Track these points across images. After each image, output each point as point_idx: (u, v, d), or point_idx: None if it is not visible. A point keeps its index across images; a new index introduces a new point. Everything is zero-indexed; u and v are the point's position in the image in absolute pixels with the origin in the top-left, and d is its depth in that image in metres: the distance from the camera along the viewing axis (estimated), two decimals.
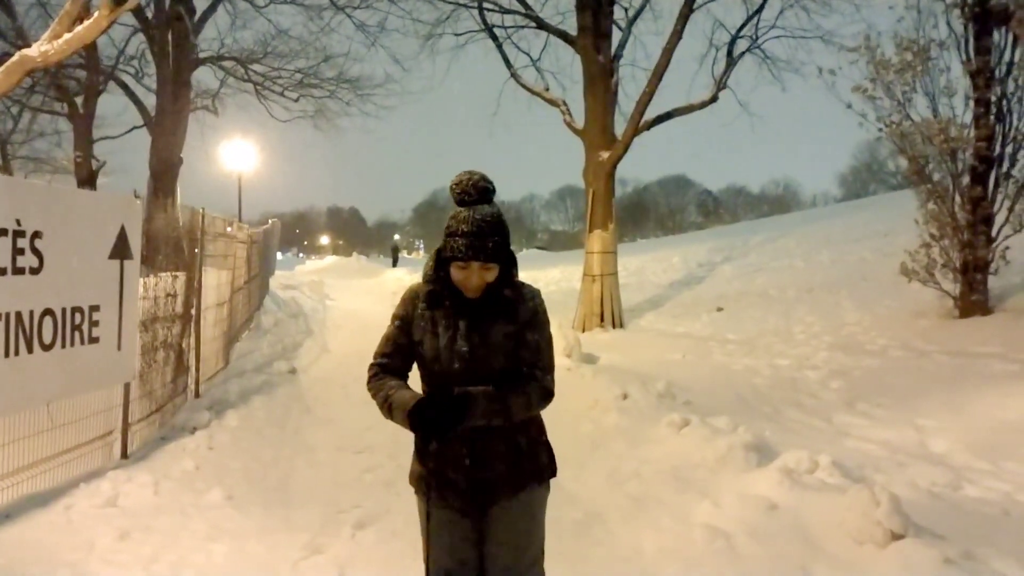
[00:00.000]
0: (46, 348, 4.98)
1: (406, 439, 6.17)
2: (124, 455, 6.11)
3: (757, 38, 16.07)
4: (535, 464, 2.79)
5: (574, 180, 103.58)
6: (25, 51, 8.84)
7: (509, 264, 2.74)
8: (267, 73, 25.41)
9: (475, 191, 2.73)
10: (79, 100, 19.52)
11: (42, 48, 8.79)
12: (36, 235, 4.83)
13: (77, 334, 5.34)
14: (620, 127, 15.32)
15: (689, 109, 15.51)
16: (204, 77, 24.12)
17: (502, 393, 2.60)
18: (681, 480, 5.43)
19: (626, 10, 16.26)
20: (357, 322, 16.47)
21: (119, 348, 5.91)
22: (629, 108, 15.24)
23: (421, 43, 18.90)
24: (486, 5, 16.30)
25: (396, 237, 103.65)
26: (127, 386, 6.18)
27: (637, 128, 14.71)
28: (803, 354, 10.94)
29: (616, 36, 15.81)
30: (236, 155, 28.50)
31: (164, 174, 22.82)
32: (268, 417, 7.80)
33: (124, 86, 23.08)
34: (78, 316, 5.34)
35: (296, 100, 25.97)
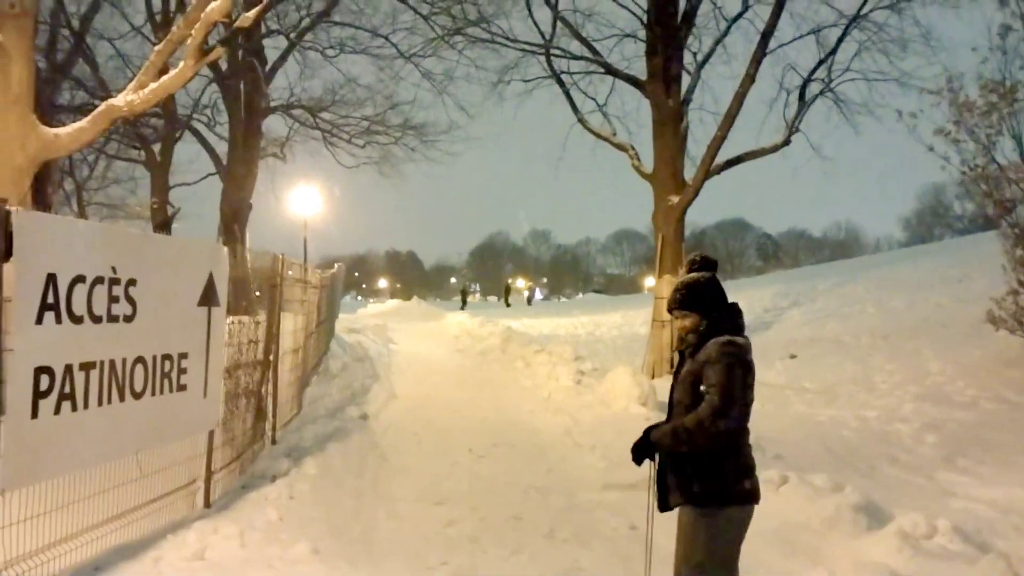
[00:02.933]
0: (137, 396, 4.95)
1: (485, 489, 5.99)
2: (207, 504, 6.03)
3: (831, 80, 15.81)
4: (687, 489, 3.42)
5: (631, 223, 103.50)
6: (112, 101, 9.07)
7: (708, 318, 3.53)
8: (335, 121, 25.90)
9: (689, 265, 3.73)
10: (156, 148, 20.13)
11: (128, 98, 9.00)
12: (130, 283, 4.82)
13: (166, 382, 5.31)
14: (689, 171, 15.16)
15: (760, 153, 15.29)
16: (274, 125, 24.95)
17: (672, 425, 3.47)
18: (787, 543, 5.13)
19: (695, 54, 16.20)
20: (421, 366, 16.41)
21: (205, 395, 5.87)
22: (697, 152, 15.12)
23: (488, 90, 19.06)
24: (554, 51, 16.38)
25: (453, 280, 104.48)
26: (211, 434, 6.13)
27: (708, 172, 14.53)
28: (889, 405, 10.50)
29: (685, 80, 15.74)
30: (303, 201, 28.94)
31: (234, 220, 23.28)
32: (345, 465, 7.69)
33: (197, 134, 23.73)
34: (167, 364, 5.32)
35: (363, 147, 26.41)
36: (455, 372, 15.74)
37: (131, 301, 4.84)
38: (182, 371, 5.51)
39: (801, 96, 15.54)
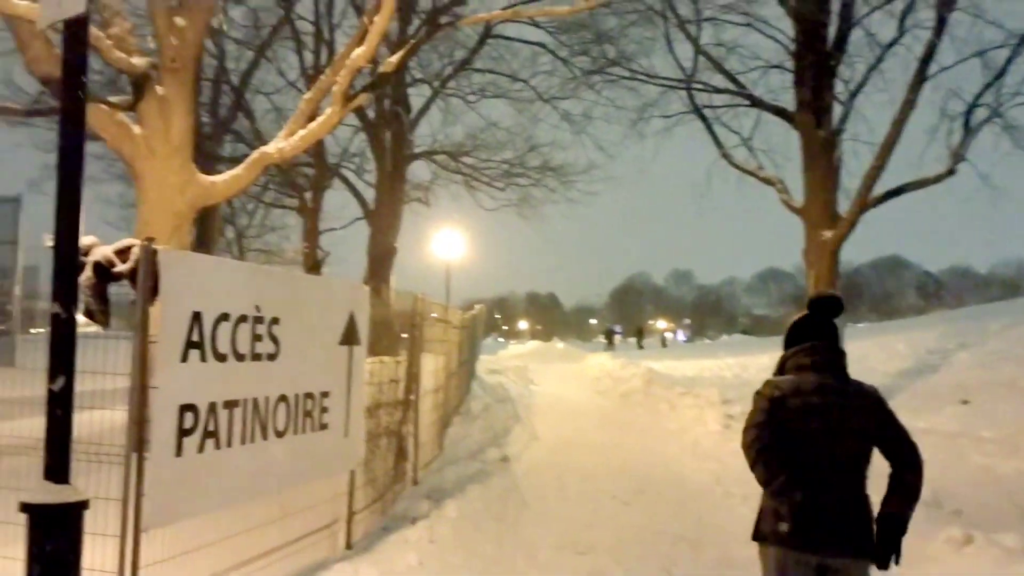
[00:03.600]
0: (280, 435, 4.94)
1: (631, 539, 5.53)
2: (348, 545, 5.97)
3: (999, 105, 14.61)
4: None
5: (777, 262, 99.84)
6: (263, 148, 9.43)
7: None
8: (476, 164, 26.31)
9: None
10: (308, 195, 21.14)
11: (279, 145, 9.34)
12: (274, 321, 4.85)
13: (308, 420, 5.30)
14: (843, 205, 14.33)
15: (922, 184, 14.25)
16: (418, 170, 25.68)
17: None
18: None
19: (846, 83, 15.37)
20: (563, 408, 16.15)
21: (346, 434, 5.85)
22: (851, 185, 14.27)
23: (627, 128, 18.84)
24: (695, 86, 15.99)
25: (593, 321, 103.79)
26: (352, 473, 6.09)
27: (864, 204, 13.68)
28: None
29: (836, 110, 14.96)
30: (445, 244, 29.54)
31: (380, 263, 23.95)
32: (485, 509, 7.50)
33: (346, 181, 24.66)
34: (310, 402, 5.31)
35: (502, 189, 26.65)
36: (597, 414, 15.38)
37: (274, 339, 4.86)
38: (324, 410, 5.50)
39: (966, 123, 14.43)
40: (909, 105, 13.17)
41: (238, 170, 9.67)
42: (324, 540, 5.79)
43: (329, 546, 5.83)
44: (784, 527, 3.26)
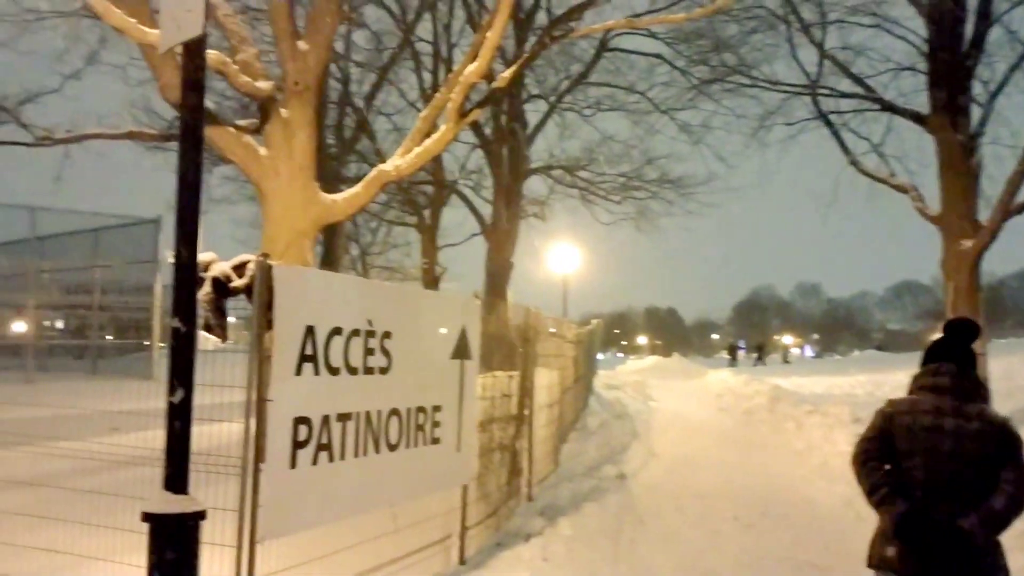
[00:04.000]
0: (392, 448, 4.97)
1: (753, 564, 5.34)
2: (462, 561, 5.95)
3: None
4: None
5: (913, 275, 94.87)
6: (381, 167, 9.62)
7: None
8: (592, 179, 26.20)
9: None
10: (426, 213, 21.58)
11: (396, 163, 9.51)
12: (386, 335, 4.88)
13: (420, 434, 5.31)
14: (984, 213, 13.40)
15: None
16: (534, 185, 25.77)
17: None
18: None
19: (985, 83, 14.41)
20: (683, 426, 15.75)
21: (459, 449, 5.83)
22: (993, 192, 13.34)
23: (748, 136, 18.29)
24: (820, 91, 15.36)
25: (715, 336, 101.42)
26: (465, 488, 6.07)
27: (1008, 212, 12.74)
28: None
29: (975, 112, 14.05)
30: (562, 258, 29.50)
31: (497, 278, 24.12)
32: (600, 527, 7.33)
33: (464, 198, 25.02)
34: (421, 416, 5.32)
35: (619, 203, 26.41)
36: (718, 432, 14.92)
37: (386, 353, 4.90)
38: (436, 424, 5.50)
39: None
40: None
41: (357, 188, 9.90)
42: (438, 555, 5.78)
43: (442, 561, 5.82)
44: (891, 552, 3.31)
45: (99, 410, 7.77)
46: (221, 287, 3.97)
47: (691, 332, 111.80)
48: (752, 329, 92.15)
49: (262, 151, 9.36)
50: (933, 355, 3.57)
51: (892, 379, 23.62)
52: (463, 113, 9.17)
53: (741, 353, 57.06)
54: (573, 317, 30.63)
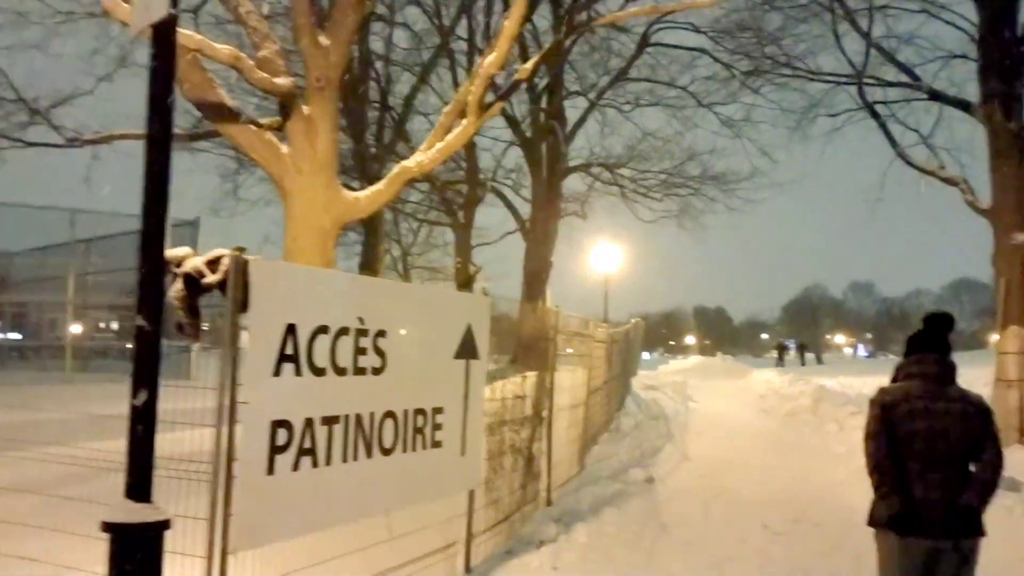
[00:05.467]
0: (386, 453, 4.75)
1: (773, 572, 5.97)
2: (467, 570, 5.73)
3: None
4: None
5: (970, 272, 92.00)
6: (404, 163, 9.46)
7: None
8: (633, 176, 25.82)
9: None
10: (461, 213, 21.41)
11: (418, 159, 9.34)
12: (380, 334, 4.67)
13: (419, 438, 5.09)
14: None
15: None
16: (574, 184, 25.39)
17: None
18: None
19: None
20: (721, 427, 15.32)
21: (463, 453, 5.60)
22: None
23: (792, 127, 17.76)
24: (866, 81, 14.79)
25: (764, 336, 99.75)
26: (471, 494, 5.84)
27: None
28: None
29: None
30: (603, 257, 29.13)
31: (536, 277, 23.89)
32: (619, 534, 7.04)
33: (503, 197, 24.83)
34: (420, 419, 5.10)
35: (660, 200, 26.00)
36: (758, 434, 14.47)
37: (380, 353, 4.69)
38: (437, 427, 5.27)
39: None
40: None
41: (380, 185, 9.76)
42: (442, 564, 5.56)
43: (446, 569, 5.59)
44: (892, 516, 3.85)
45: (104, 414, 7.69)
46: (193, 284, 3.79)
47: (740, 332, 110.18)
48: (803, 329, 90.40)
49: (284, 149, 9.26)
50: (916, 346, 4.12)
51: None
52: (484, 107, 8.95)
53: (792, 352, 56.00)
54: (618, 317, 30.29)
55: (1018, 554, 6.05)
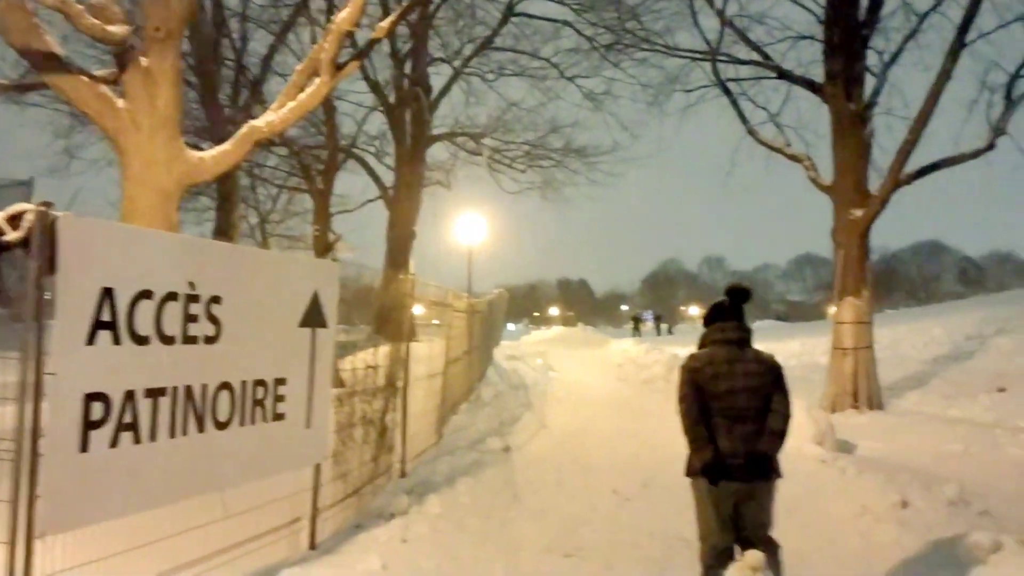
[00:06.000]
0: (221, 427, 4.46)
1: (625, 540, 6.03)
2: (312, 546, 5.50)
3: None
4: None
5: (813, 247, 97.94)
6: (252, 122, 8.96)
7: None
8: (497, 146, 25.77)
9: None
10: (320, 179, 20.65)
11: (268, 119, 8.87)
12: (214, 300, 4.36)
13: (259, 410, 4.81)
14: (875, 184, 13.53)
15: (959, 159, 13.40)
16: (438, 152, 25.09)
17: None
18: None
19: (880, 54, 14.52)
20: (579, 396, 15.58)
21: (308, 425, 5.35)
22: (885, 163, 13.49)
23: (649, 101, 18.15)
24: (719, 58, 15.22)
25: (624, 307, 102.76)
26: (318, 468, 5.61)
27: (897, 181, 12.89)
28: None
29: (869, 82, 14.15)
30: (467, 228, 29.05)
31: (399, 247, 23.54)
32: (473, 504, 6.98)
33: (365, 164, 24.25)
34: (260, 390, 4.82)
35: (524, 171, 26.10)
36: (614, 402, 14.81)
37: (214, 321, 4.38)
38: (279, 398, 5.01)
39: (1008, 95, 13.54)
40: (946, 75, 12.34)
41: (226, 146, 9.21)
42: (284, 540, 5.32)
43: (290, 546, 5.36)
44: (704, 466, 4.32)
45: None
46: None
47: (602, 303, 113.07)
48: (660, 301, 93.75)
49: (120, 103, 8.57)
50: (717, 314, 4.64)
51: (786, 348, 24.15)
52: (339, 66, 8.58)
53: (648, 323, 57.88)
54: (483, 288, 30.28)
55: (851, 510, 6.38)
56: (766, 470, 4.35)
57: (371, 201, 25.67)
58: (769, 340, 28.11)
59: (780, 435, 4.36)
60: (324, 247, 16.25)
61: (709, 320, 4.68)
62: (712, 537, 4.41)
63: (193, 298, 4.22)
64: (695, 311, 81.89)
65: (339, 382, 7.57)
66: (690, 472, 4.50)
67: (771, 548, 4.35)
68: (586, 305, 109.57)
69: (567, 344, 28.91)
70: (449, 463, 8.36)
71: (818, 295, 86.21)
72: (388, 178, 24.46)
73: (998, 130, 13.27)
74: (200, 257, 4.37)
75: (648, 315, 62.15)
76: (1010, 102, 13.43)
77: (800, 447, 9.03)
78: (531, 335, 35.83)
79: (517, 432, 10.93)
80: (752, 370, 4.41)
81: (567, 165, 25.57)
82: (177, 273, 4.12)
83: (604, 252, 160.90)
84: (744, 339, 4.53)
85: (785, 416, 4.39)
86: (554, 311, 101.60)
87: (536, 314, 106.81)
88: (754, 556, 4.09)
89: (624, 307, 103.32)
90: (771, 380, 4.43)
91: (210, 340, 4.36)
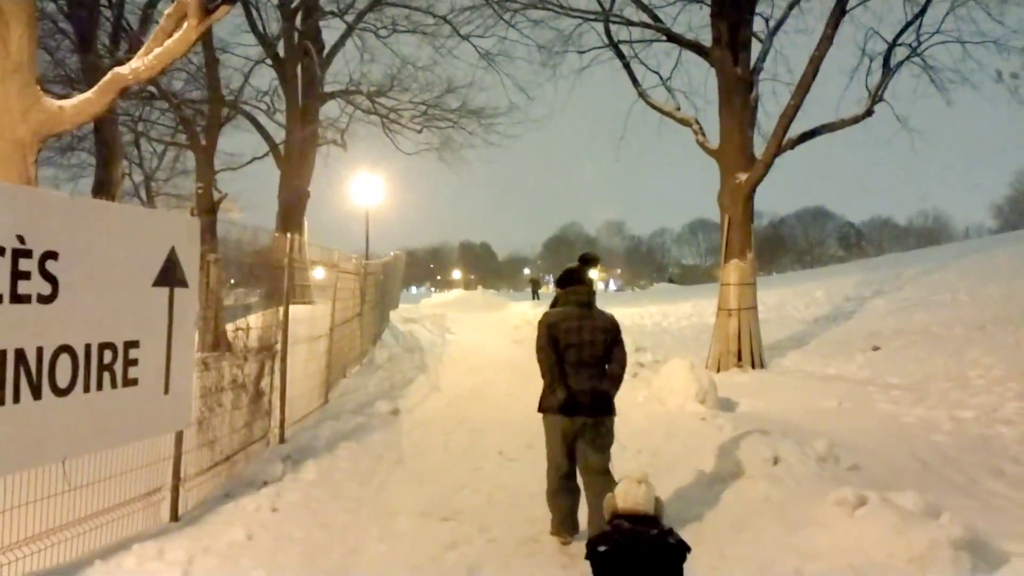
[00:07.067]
0: (60, 393, 4.11)
1: (504, 502, 6.06)
2: (174, 517, 5.21)
3: (919, 44, 14.16)
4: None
5: (706, 213, 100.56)
6: (117, 69, 8.38)
7: None
8: (393, 106, 25.18)
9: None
10: (204, 134, 19.70)
11: (133, 65, 8.30)
12: (48, 256, 3.99)
13: (106, 375, 4.46)
14: (760, 148, 13.78)
15: (839, 125, 13.78)
16: (332, 111, 24.30)
17: None
18: None
19: (767, 20, 14.72)
20: (476, 357, 15.53)
21: (167, 391, 5.02)
22: (769, 128, 13.74)
23: (543, 61, 17.94)
24: (613, 19, 15.14)
25: (526, 271, 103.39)
26: (179, 435, 5.29)
27: (780, 146, 13.13)
28: (988, 404, 9.08)
29: (755, 48, 14.34)
30: (364, 189, 28.41)
31: (292, 208, 22.83)
32: (353, 469, 6.80)
33: (254, 120, 23.31)
34: (108, 354, 4.46)
35: (420, 132, 25.62)
36: (508, 364, 14.78)
37: (49, 278, 4.00)
38: (130, 362, 4.65)
39: (886, 63, 13.95)
40: (828, 41, 12.58)
41: (89, 94, 8.57)
42: (141, 512, 5.00)
43: (149, 518, 5.05)
44: (554, 402, 5.25)
45: None
46: None
47: (504, 267, 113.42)
48: (561, 265, 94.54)
49: None
50: (569, 277, 5.57)
51: (678, 310, 24.67)
52: (208, 11, 8.07)
53: (549, 286, 58.36)
54: (383, 250, 29.74)
55: (727, 468, 6.47)
56: (608, 407, 5.29)
57: (259, 159, 24.82)
58: (663, 303, 28.76)
59: (618, 379, 5.35)
60: (208, 206, 15.51)
61: (562, 283, 5.57)
62: (558, 462, 5.34)
63: (23, 253, 3.84)
64: (594, 274, 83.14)
65: (226, 344, 7.23)
66: (542, 409, 5.41)
67: (609, 480, 4.95)
68: (489, 268, 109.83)
69: (466, 307, 28.85)
70: (332, 427, 8.13)
71: (711, 259, 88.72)
72: (280, 136, 23.66)
73: (877, 97, 13.69)
74: (32, 209, 3.97)
75: (549, 278, 62.61)
76: (888, 69, 13.86)
77: (683, 405, 9.19)
78: (431, 298, 35.60)
79: (409, 395, 10.77)
80: (598, 326, 5.32)
81: (464, 126, 25.25)
82: (4, 227, 3.73)
83: (507, 216, 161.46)
84: (591, 300, 5.45)
85: (622, 364, 5.37)
86: (456, 275, 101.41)
87: (439, 278, 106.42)
88: (639, 470, 4.12)
89: (526, 271, 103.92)
90: (612, 336, 5.37)
91: (45, 299, 3.99)
